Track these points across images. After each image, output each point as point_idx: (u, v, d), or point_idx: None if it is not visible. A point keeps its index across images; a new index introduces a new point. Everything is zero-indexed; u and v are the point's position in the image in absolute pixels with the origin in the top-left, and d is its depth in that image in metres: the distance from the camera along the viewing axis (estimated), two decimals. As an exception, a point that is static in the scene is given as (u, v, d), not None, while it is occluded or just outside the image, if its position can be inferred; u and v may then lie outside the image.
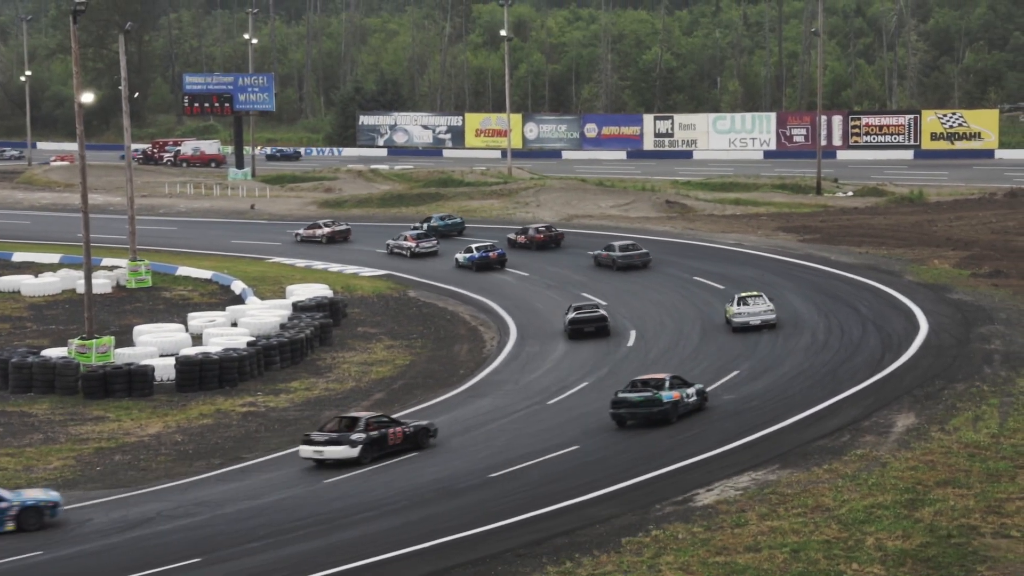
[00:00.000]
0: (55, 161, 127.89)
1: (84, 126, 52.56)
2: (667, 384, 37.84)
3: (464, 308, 59.96)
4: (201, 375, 46.94)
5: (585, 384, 44.70)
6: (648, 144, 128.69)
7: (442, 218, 79.26)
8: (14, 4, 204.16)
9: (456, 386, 46.49)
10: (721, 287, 58.26)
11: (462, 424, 40.50)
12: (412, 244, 73.03)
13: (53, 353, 49.08)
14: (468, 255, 68.26)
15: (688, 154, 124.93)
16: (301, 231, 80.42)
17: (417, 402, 44.17)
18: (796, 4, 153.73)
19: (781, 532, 27.06)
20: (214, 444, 40.06)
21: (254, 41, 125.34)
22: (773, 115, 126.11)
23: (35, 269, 70.59)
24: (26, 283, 65.77)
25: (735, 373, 43.68)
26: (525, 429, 39.20)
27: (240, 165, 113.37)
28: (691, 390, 38.30)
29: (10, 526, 31.13)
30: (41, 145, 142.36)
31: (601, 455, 35.11)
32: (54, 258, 73.77)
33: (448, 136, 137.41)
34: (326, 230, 79.12)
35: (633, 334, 51.69)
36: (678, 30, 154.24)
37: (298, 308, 57.05)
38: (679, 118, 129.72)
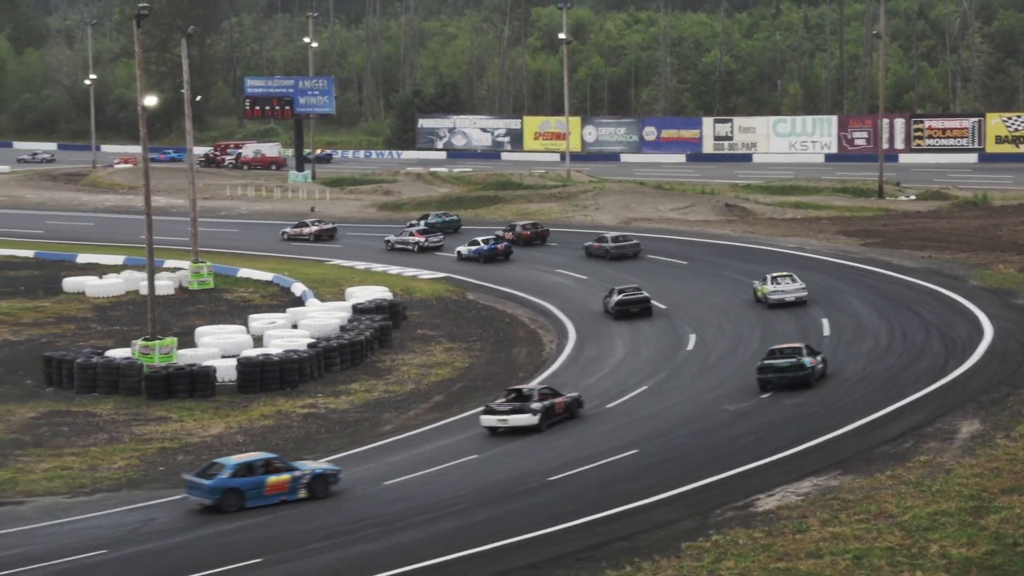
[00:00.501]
0: (118, 164, 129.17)
1: (147, 129, 53.00)
2: (804, 352, 41.52)
3: (523, 311, 59.96)
4: (262, 376, 47.20)
5: (645, 388, 44.56)
6: (707, 147, 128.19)
7: (439, 215, 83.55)
8: (79, 9, 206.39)
9: (516, 389, 46.43)
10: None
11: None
12: (420, 239, 76.23)
13: (117, 354, 49.52)
14: (475, 248, 71.92)
15: (748, 157, 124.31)
16: (288, 230, 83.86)
17: (476, 405, 44.19)
18: (857, 6, 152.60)
19: (843, 538, 26.87)
20: (275, 445, 40.25)
21: (314, 45, 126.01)
22: (834, 118, 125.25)
23: (99, 270, 71.29)
24: (90, 284, 66.43)
25: (796, 378, 43.32)
26: (585, 432, 39.14)
27: (300, 168, 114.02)
28: (819, 358, 41.74)
29: (303, 493, 33.47)
30: (105, 148, 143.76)
31: (661, 459, 35.02)
32: (118, 260, 74.50)
33: (507, 139, 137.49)
34: (313, 228, 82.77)
35: (693, 338, 51.48)
36: (738, 32, 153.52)
37: (358, 310, 57.26)
38: (739, 121, 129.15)
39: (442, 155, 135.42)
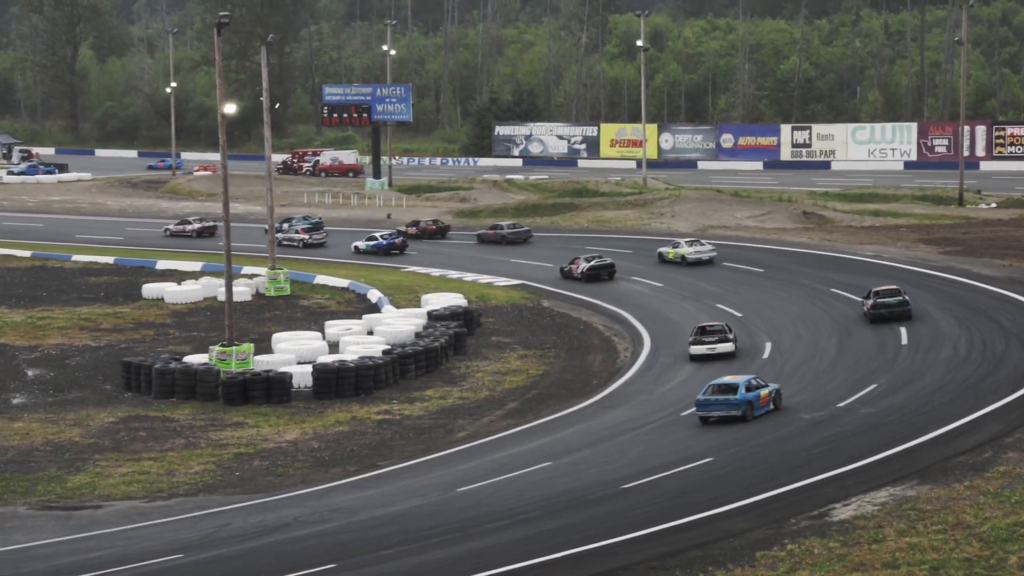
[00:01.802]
0: (198, 171, 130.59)
1: (226, 136, 53.51)
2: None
3: (598, 318, 59.83)
4: (337, 383, 47.43)
5: (719, 396, 44.24)
6: (785, 155, 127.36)
7: (304, 218, 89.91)
8: (161, 18, 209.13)
9: (589, 396, 46.37)
10: (859, 299, 57.34)
11: (595, 435, 40.40)
12: (305, 236, 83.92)
13: (195, 360, 49.99)
14: (372, 243, 79.95)
15: (826, 165, 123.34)
16: (171, 226, 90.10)
17: (550, 412, 44.15)
18: (939, 13, 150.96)
19: (920, 549, 26.53)
20: (350, 451, 40.46)
21: (392, 52, 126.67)
22: (914, 125, 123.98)
23: (178, 277, 72.02)
24: (169, 290, 67.13)
25: (873, 386, 42.93)
26: (658, 440, 38.99)
27: (377, 175, 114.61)
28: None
29: (771, 406, 39.86)
30: (185, 155, 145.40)
31: (735, 467, 34.77)
32: (196, 266, 75.26)
33: (583, 146, 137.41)
34: (196, 226, 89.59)
35: (769, 346, 51.11)
36: (817, 39, 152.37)
37: (433, 317, 57.39)
38: (817, 128, 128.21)
39: (518, 162, 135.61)
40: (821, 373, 45.87)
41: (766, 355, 49.90)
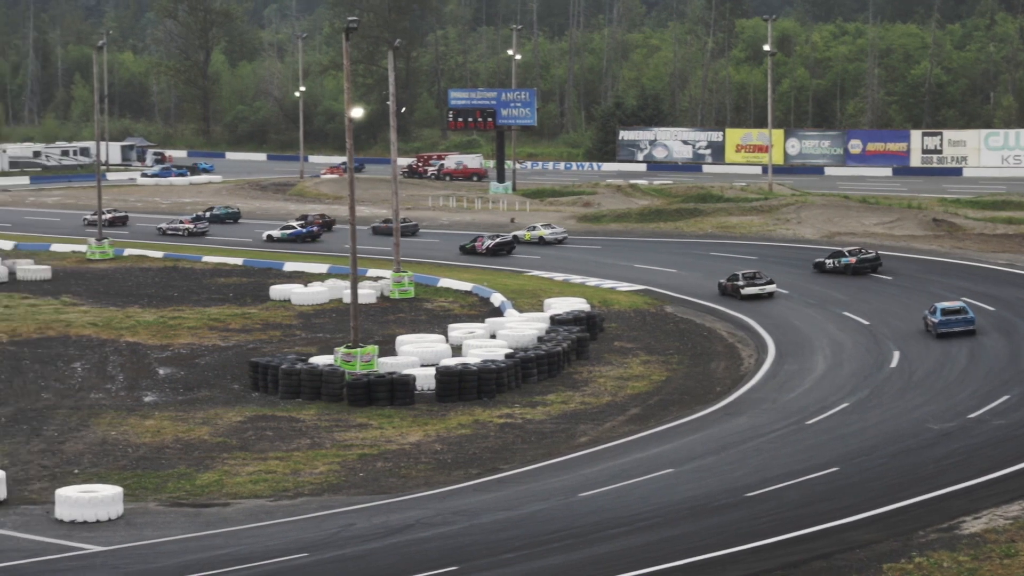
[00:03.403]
0: (325, 174, 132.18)
1: (353, 140, 54.05)
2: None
3: (721, 324, 59.39)
4: (460, 386, 47.61)
5: (845, 405, 43.71)
6: (915, 161, 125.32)
7: (224, 207, 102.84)
8: (291, 23, 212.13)
9: (712, 403, 46.03)
10: (991, 309, 56.25)
11: (717, 442, 40.11)
12: (190, 226, 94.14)
13: (320, 361, 50.54)
14: (287, 231, 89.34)
15: (958, 171, 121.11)
16: (163, 225, 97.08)
17: (673, 418, 43.92)
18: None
19: (1053, 566, 25.94)
20: (472, 454, 40.61)
21: (518, 57, 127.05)
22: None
23: (304, 279, 72.94)
24: (296, 292, 67.98)
25: (1005, 398, 42.06)
26: (782, 449, 38.57)
27: (501, 179, 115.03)
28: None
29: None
30: (312, 158, 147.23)
31: (861, 478, 34.27)
32: (322, 268, 76.15)
33: (708, 151, 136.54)
34: (188, 225, 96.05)
35: (897, 355, 50.32)
36: (949, 44, 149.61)
37: (555, 321, 57.40)
38: (948, 134, 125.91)
39: (642, 167, 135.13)
40: (951, 383, 45.03)
41: (894, 364, 49.14)
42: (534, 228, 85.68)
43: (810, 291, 64.53)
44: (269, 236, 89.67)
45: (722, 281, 65.57)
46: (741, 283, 63.95)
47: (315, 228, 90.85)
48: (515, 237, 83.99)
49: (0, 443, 40.89)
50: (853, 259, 68.46)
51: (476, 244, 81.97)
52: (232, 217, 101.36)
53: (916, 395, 43.97)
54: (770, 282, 64.08)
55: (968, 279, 63.92)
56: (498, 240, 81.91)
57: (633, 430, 42.77)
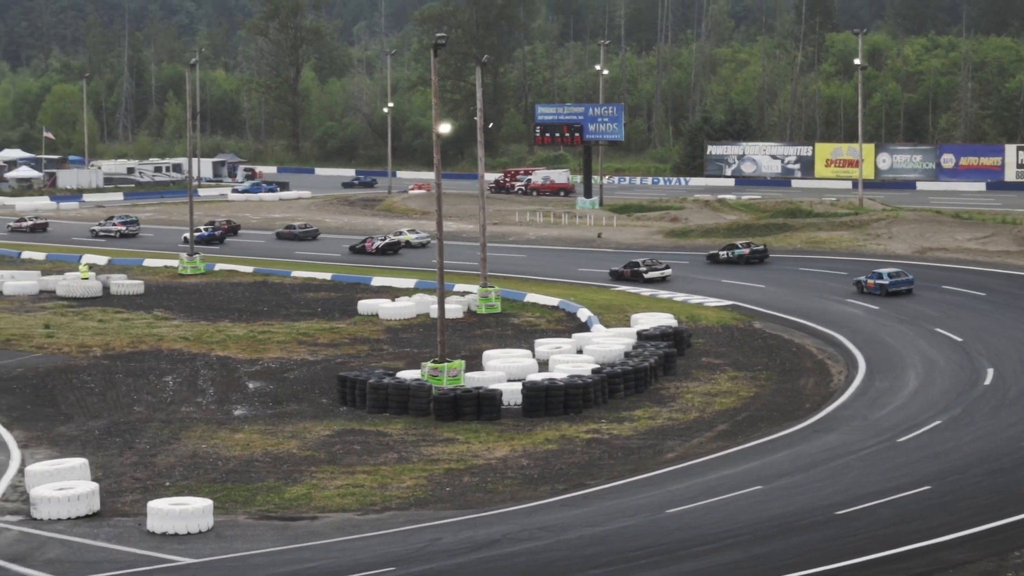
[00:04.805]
0: (413, 189, 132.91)
1: (441, 156, 54.25)
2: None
3: (810, 340, 58.84)
4: (547, 401, 47.51)
5: (938, 423, 43.08)
6: (1010, 175, 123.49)
7: (126, 215, 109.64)
8: (380, 40, 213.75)
9: (802, 420, 45.56)
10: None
11: (807, 459, 39.68)
12: (121, 227, 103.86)
13: (407, 375, 50.72)
14: (197, 233, 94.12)
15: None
16: (11, 223, 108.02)
17: (761, 435, 43.54)
18: None
19: None
20: (558, 469, 40.51)
21: (605, 72, 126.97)
22: None
23: (392, 293, 73.31)
24: (383, 307, 68.33)
25: (1103, 417, 41.24)
26: (874, 467, 38.07)
27: (588, 194, 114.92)
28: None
29: None
30: (400, 174, 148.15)
31: (954, 497, 33.75)
32: (409, 283, 76.50)
33: (797, 166, 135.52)
34: (29, 223, 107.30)
35: (991, 372, 49.55)
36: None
37: (642, 337, 57.17)
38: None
39: (730, 182, 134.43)
40: (1046, 401, 44.26)
41: (988, 381, 48.38)
42: (400, 233, 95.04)
43: (901, 307, 63.76)
44: (185, 239, 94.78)
45: (616, 268, 77.89)
46: (643, 268, 76.22)
47: (219, 232, 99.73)
48: (406, 242, 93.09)
49: (94, 456, 41.45)
50: (747, 250, 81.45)
51: (366, 244, 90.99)
52: (132, 222, 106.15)
53: (1011, 413, 43.23)
54: (667, 267, 76.84)
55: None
56: (386, 241, 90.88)
57: (721, 446, 42.45)
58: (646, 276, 75.98)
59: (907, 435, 41.63)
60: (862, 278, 69.67)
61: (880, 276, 68.41)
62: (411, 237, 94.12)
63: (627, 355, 54.14)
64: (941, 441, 40.39)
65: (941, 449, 39.28)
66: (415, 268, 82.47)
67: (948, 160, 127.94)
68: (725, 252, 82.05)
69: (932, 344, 55.64)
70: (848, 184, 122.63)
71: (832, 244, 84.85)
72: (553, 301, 70.03)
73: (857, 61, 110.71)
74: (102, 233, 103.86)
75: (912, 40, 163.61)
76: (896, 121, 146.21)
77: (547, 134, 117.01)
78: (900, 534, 30.35)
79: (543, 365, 53.83)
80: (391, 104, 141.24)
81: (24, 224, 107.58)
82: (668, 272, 76.77)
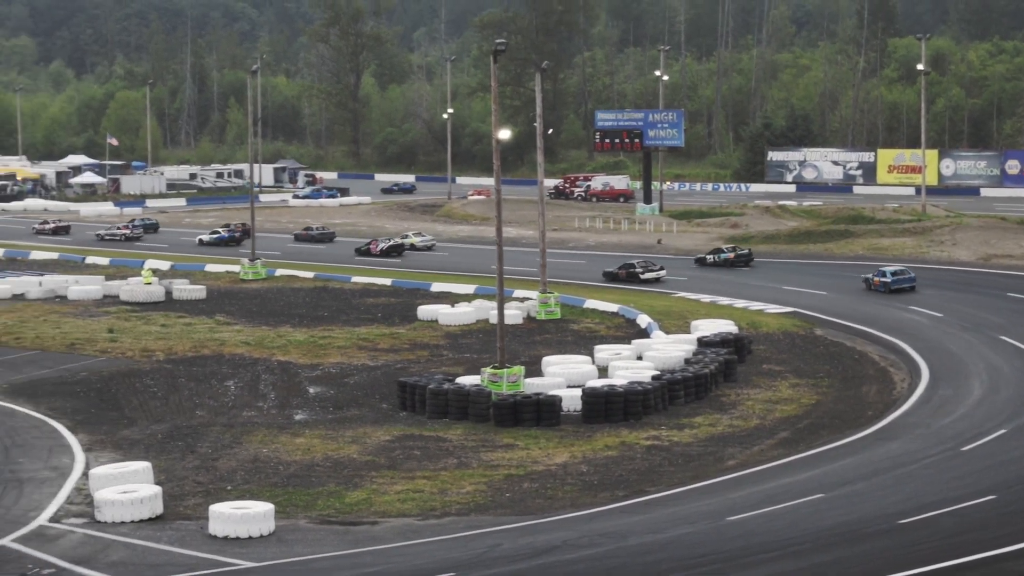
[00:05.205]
0: (472, 195, 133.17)
1: (500, 161, 54.28)
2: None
3: (873, 348, 58.39)
4: (606, 407, 47.42)
5: (1003, 431, 42.62)
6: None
7: (143, 220, 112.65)
8: (440, 45, 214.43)
9: (864, 428, 45.20)
10: None
11: (869, 467, 39.36)
12: (127, 231, 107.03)
13: (467, 381, 50.77)
14: (215, 235, 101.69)
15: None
16: (35, 225, 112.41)
17: (823, 443, 43.23)
18: None
19: None
20: (618, 476, 40.41)
21: (665, 78, 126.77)
22: None
23: (451, 299, 73.44)
24: (443, 312, 68.46)
25: None
26: (937, 475, 37.71)
27: (648, 200, 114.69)
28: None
29: None
30: (460, 179, 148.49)
31: (1020, 507, 33.36)
32: (469, 289, 76.62)
33: (859, 172, 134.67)
34: (52, 225, 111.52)
35: (1057, 381, 49.00)
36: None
37: (703, 343, 56.95)
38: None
39: (791, 188, 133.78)
40: (1114, 410, 43.66)
41: (1053, 390, 47.81)
42: (406, 236, 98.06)
43: (965, 315, 63.15)
44: (200, 240, 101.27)
45: (610, 270, 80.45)
46: (639, 270, 78.82)
47: (237, 234, 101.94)
48: (411, 245, 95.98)
49: (157, 459, 41.81)
50: (732, 254, 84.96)
51: (371, 246, 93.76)
52: (153, 227, 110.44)
53: (1077, 422, 42.76)
54: (661, 268, 79.56)
55: None
56: (391, 244, 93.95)
57: (782, 454, 42.19)
58: (642, 277, 78.64)
59: (971, 444, 41.20)
60: (869, 276, 73.08)
61: (884, 274, 72.46)
62: (416, 240, 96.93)
63: (687, 361, 53.97)
64: (1006, 450, 39.94)
65: (1006, 458, 38.84)
66: (474, 274, 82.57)
67: (1013, 166, 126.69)
68: (712, 256, 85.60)
69: (996, 352, 55.07)
70: (911, 190, 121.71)
71: (895, 251, 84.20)
72: (613, 307, 69.91)
73: (920, 66, 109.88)
74: (107, 237, 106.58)
75: (976, 45, 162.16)
76: (960, 127, 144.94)
77: (607, 140, 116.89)
78: (964, 543, 30.02)
79: (603, 371, 53.74)
80: (451, 110, 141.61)
81: (47, 227, 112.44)
82: (663, 273, 79.14)
